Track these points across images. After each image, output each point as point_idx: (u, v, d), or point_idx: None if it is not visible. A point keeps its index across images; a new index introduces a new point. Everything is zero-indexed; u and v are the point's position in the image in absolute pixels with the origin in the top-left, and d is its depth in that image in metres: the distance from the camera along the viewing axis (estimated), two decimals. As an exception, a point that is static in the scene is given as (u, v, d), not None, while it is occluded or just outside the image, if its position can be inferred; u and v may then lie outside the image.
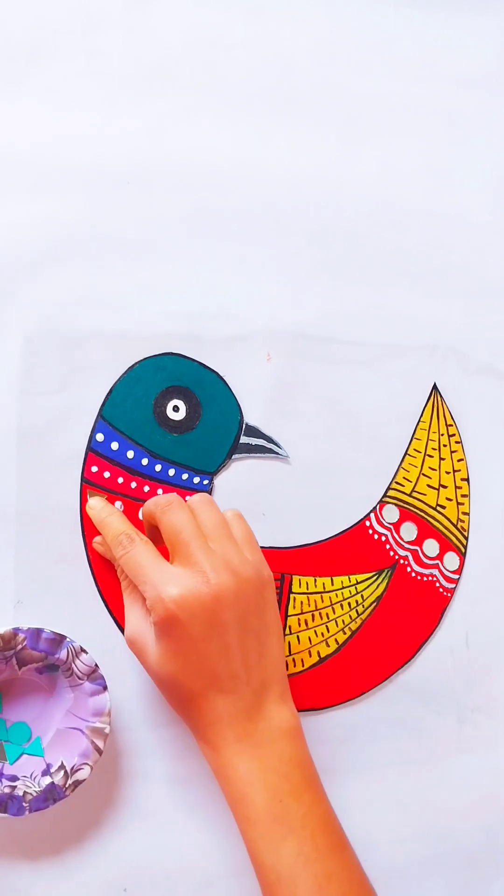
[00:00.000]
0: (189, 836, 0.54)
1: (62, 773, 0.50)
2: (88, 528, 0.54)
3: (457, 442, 0.60)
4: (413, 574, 0.59)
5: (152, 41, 0.58)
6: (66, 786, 0.50)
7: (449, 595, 0.59)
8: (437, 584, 0.59)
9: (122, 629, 0.54)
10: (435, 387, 0.60)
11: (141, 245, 0.57)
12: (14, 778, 0.50)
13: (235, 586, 0.47)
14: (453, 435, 0.60)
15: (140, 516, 0.53)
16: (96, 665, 0.51)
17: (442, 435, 0.60)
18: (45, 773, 0.50)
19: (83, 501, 0.54)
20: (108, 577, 0.54)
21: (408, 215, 0.61)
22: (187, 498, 0.51)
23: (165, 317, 0.56)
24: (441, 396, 0.60)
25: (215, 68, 0.59)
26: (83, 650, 0.51)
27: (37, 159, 0.55)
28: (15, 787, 0.50)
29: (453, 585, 0.59)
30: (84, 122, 0.56)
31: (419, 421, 0.60)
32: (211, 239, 0.58)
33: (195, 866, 0.54)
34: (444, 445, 0.60)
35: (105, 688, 0.51)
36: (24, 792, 0.49)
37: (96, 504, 0.53)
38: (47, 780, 0.50)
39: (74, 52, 0.57)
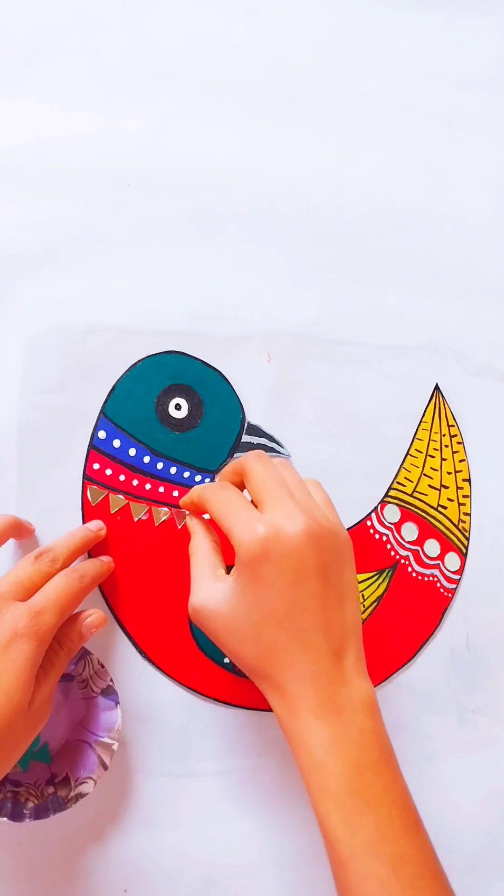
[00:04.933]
0: (189, 837, 0.54)
1: (66, 785, 0.50)
2: (89, 526, 0.54)
3: (458, 443, 0.60)
4: (414, 574, 0.59)
5: (153, 42, 0.58)
6: (69, 798, 0.50)
7: (450, 595, 0.59)
8: (438, 585, 0.59)
9: (123, 627, 0.54)
10: (437, 387, 0.60)
11: (141, 245, 0.57)
12: (18, 784, 0.50)
13: (323, 535, 0.45)
14: (455, 436, 0.60)
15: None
16: (112, 681, 0.51)
17: (444, 435, 0.60)
18: (50, 782, 0.50)
19: (84, 498, 0.54)
20: (109, 576, 0.54)
21: (408, 216, 0.61)
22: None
23: (166, 317, 0.56)
24: (443, 397, 0.60)
25: (216, 69, 0.59)
26: (101, 665, 0.51)
27: (37, 159, 0.55)
28: (18, 792, 0.50)
29: (454, 586, 0.59)
30: (85, 123, 0.56)
31: (421, 421, 0.60)
32: (211, 239, 0.58)
33: (195, 866, 0.54)
34: (446, 446, 0.60)
35: (118, 704, 0.51)
36: (27, 799, 0.49)
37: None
38: (51, 789, 0.50)
39: (75, 53, 0.57)
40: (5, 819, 0.49)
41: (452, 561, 0.59)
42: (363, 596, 0.58)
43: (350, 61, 0.61)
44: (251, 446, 0.56)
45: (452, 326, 0.61)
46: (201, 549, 0.49)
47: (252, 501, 0.47)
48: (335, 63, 0.61)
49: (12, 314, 0.54)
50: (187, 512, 0.52)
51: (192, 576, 0.49)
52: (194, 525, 0.51)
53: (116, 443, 0.55)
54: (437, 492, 0.60)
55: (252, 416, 0.57)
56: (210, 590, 0.47)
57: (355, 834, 0.42)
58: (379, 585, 0.58)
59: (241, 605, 0.45)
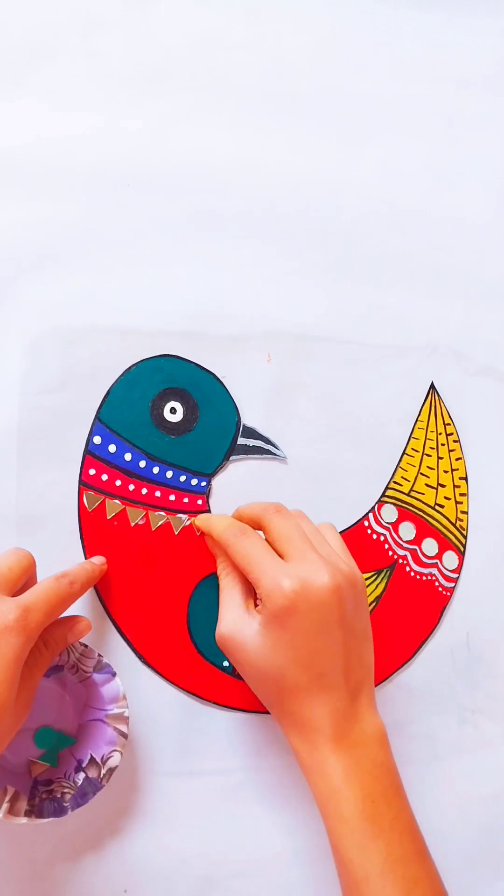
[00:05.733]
0: (189, 837, 0.54)
1: (95, 765, 0.50)
2: (87, 531, 0.54)
3: (455, 441, 0.60)
4: (412, 573, 0.59)
5: (153, 42, 0.58)
6: (102, 776, 0.50)
7: (448, 594, 0.59)
8: (437, 584, 0.59)
9: (121, 632, 0.54)
10: (432, 386, 0.60)
11: (141, 246, 0.57)
12: (49, 782, 0.51)
13: (345, 585, 0.48)
14: (451, 434, 0.60)
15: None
16: (99, 655, 0.51)
17: (440, 434, 0.60)
18: (78, 769, 0.51)
19: (81, 504, 0.54)
20: (105, 579, 0.54)
21: (408, 216, 0.61)
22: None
23: (166, 318, 0.56)
24: (438, 395, 0.60)
25: (216, 69, 0.59)
26: (83, 644, 0.51)
27: (37, 159, 0.55)
28: (52, 790, 0.50)
29: (452, 584, 0.59)
30: (84, 123, 0.56)
31: (416, 420, 0.60)
32: (211, 240, 0.58)
33: (195, 866, 0.54)
34: (442, 444, 0.60)
35: (114, 674, 0.51)
36: (63, 793, 0.50)
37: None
38: (82, 775, 0.50)
39: (75, 53, 0.57)
40: (50, 819, 0.49)
41: (450, 560, 0.59)
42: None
43: (350, 61, 0.61)
44: (247, 448, 0.56)
45: (452, 326, 0.61)
46: (231, 578, 0.52)
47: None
48: (335, 63, 0.61)
49: (12, 314, 0.54)
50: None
51: (221, 602, 0.51)
52: (221, 553, 0.53)
53: (112, 448, 0.54)
54: (434, 490, 0.60)
55: (252, 416, 0.57)
56: (239, 622, 0.49)
57: (369, 857, 0.45)
58: (377, 585, 0.58)
59: (266, 647, 0.47)
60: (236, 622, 0.49)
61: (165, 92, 0.58)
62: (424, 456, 0.60)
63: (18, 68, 0.56)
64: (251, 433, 0.57)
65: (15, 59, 0.56)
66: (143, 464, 0.55)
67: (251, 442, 0.56)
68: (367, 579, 0.58)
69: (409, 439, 0.59)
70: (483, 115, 0.63)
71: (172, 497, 0.55)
